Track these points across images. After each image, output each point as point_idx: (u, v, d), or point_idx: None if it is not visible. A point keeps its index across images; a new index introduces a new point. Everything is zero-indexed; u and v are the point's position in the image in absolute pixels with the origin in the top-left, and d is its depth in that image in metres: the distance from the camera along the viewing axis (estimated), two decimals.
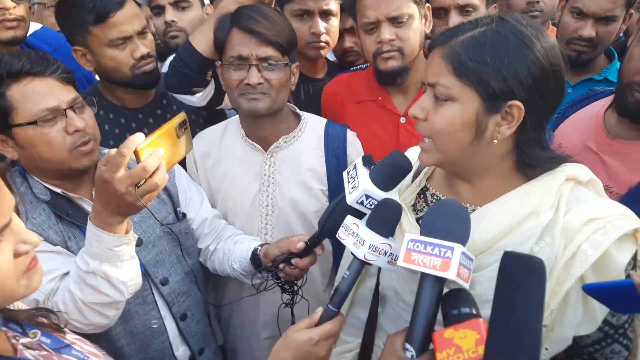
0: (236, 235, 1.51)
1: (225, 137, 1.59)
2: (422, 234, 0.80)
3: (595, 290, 0.77)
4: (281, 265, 1.23)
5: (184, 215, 1.47)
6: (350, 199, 0.97)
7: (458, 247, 0.76)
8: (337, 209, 1.03)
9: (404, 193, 1.10)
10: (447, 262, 0.76)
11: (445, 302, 0.79)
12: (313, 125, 1.59)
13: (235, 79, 1.39)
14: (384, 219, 0.91)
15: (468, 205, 0.98)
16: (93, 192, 1.27)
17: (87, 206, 1.27)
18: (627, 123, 1.30)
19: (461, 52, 0.87)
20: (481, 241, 0.91)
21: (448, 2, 1.72)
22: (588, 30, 1.74)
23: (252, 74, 1.36)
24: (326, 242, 1.29)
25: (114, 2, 1.46)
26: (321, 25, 1.75)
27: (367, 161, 1.02)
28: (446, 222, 0.80)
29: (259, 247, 1.36)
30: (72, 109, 1.19)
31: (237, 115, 1.59)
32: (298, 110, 1.60)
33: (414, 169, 1.12)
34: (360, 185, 0.97)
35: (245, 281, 1.44)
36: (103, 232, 1.05)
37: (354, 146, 1.59)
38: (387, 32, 1.50)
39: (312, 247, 1.18)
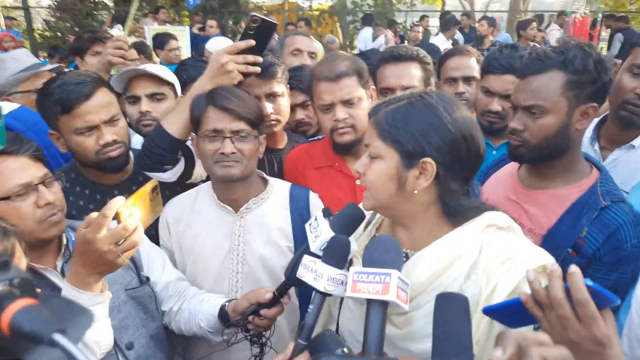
0: (201, 294, 1.58)
1: (197, 202, 1.72)
2: (364, 265, 0.93)
3: (493, 312, 0.92)
4: (250, 317, 1.32)
5: (148, 278, 1.55)
6: (314, 246, 1.11)
7: (394, 273, 0.89)
8: (301, 258, 1.11)
9: (358, 241, 1.23)
10: (387, 286, 0.88)
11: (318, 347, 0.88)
12: (279, 188, 1.75)
13: (211, 149, 1.54)
14: (337, 253, 1.04)
15: (408, 250, 1.11)
16: (57, 262, 1.38)
17: (52, 277, 1.34)
18: (537, 176, 1.52)
19: (383, 120, 1.05)
20: (418, 283, 1.03)
21: (394, 84, 1.97)
22: (494, 105, 2.07)
23: (226, 144, 1.51)
24: (293, 297, 1.44)
25: (81, 94, 1.59)
26: (268, 107, 1.93)
27: (326, 213, 1.17)
28: (383, 254, 0.94)
29: (226, 304, 1.45)
30: (42, 183, 1.32)
31: (208, 182, 1.75)
32: (265, 175, 1.77)
33: (366, 219, 1.26)
34: (322, 234, 1.11)
35: (212, 338, 1.51)
36: (80, 291, 1.13)
37: (316, 206, 1.75)
38: (341, 113, 1.72)
39: (279, 297, 1.28)
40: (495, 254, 1.05)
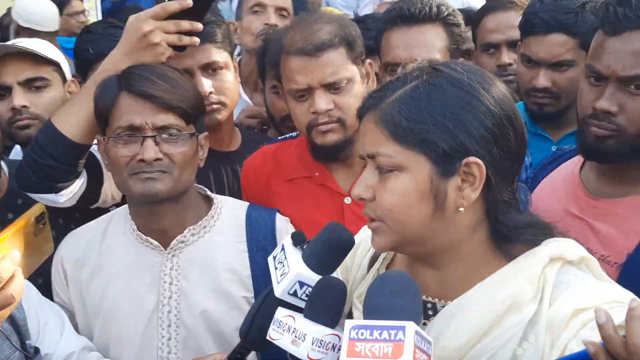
0: None
1: (108, 236, 1.60)
2: (365, 317, 0.85)
3: None
4: None
5: (37, 350, 1.43)
6: (280, 289, 1.01)
7: (410, 326, 0.80)
8: (264, 308, 1.05)
9: (358, 286, 1.15)
10: (400, 345, 0.80)
11: None
12: (230, 211, 1.63)
13: (125, 155, 1.43)
14: (326, 303, 0.95)
15: (436, 300, 1.04)
16: None
17: None
18: (611, 180, 1.42)
19: (394, 113, 0.96)
20: (453, 348, 0.96)
21: (404, 56, 1.80)
22: (541, 79, 1.90)
23: (148, 147, 1.41)
24: None
25: None
26: (206, 83, 1.80)
27: (298, 239, 1.07)
28: (392, 299, 0.86)
29: None
30: None
31: (125, 206, 1.61)
32: (209, 193, 1.64)
33: (369, 254, 1.18)
34: (291, 271, 1.01)
35: None
36: None
37: (286, 236, 1.57)
38: (322, 101, 1.60)
39: None
40: (563, 302, 0.96)
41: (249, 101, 2.69)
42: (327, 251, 1.04)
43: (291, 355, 0.96)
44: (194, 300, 1.53)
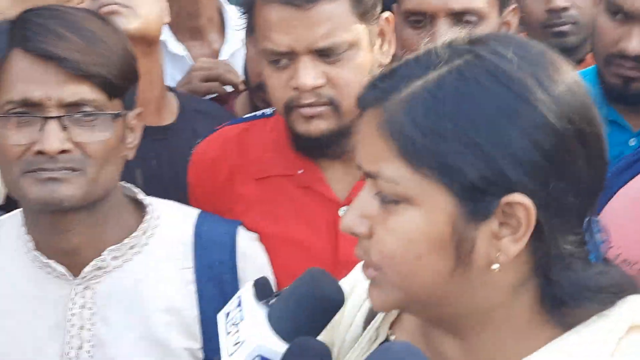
0: None
1: None
2: None
3: None
4: None
5: None
6: None
7: None
8: None
9: (348, 354, 1.13)
10: None
11: None
12: (171, 224, 1.57)
13: (16, 144, 1.37)
14: None
15: None
16: None
17: None
18: None
19: (406, 121, 0.89)
20: None
21: (433, 5, 1.79)
22: (634, 41, 1.78)
23: (50, 133, 1.34)
24: None
25: None
26: None
27: (262, 291, 1.00)
28: None
29: None
30: None
31: (17, 212, 1.55)
32: (141, 196, 1.56)
33: (365, 306, 1.16)
34: (248, 341, 0.94)
35: None
36: None
37: (253, 261, 1.60)
38: (309, 74, 1.54)
39: None
40: None
41: (183, 53, 2.61)
42: (304, 313, 0.96)
43: None
44: (115, 353, 1.46)
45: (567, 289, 0.93)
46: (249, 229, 1.62)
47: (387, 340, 1.11)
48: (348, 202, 1.62)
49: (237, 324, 0.96)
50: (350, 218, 0.96)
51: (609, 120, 1.94)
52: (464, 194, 0.88)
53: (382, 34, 1.64)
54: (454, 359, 1.01)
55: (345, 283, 1.19)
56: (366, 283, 1.02)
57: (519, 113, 0.88)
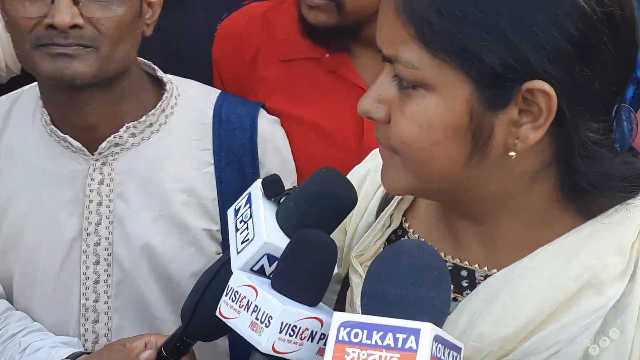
0: (26, 334, 1.45)
1: (11, 128, 1.54)
2: (364, 310, 0.84)
3: None
4: None
5: None
6: (239, 263, 0.96)
7: (427, 329, 0.77)
8: (217, 284, 1.02)
9: (360, 240, 1.14)
10: (410, 357, 0.77)
11: None
12: (191, 103, 1.55)
13: (27, 17, 1.34)
14: (304, 270, 0.91)
15: (476, 267, 1.03)
16: None
17: None
18: None
19: (423, 2, 0.88)
20: (494, 339, 0.94)
21: None
22: None
23: (61, 6, 1.31)
24: (221, 340, 1.31)
25: None
26: None
27: (271, 188, 1.00)
28: (405, 285, 0.82)
29: None
30: None
31: (34, 85, 1.54)
32: (160, 73, 1.54)
33: (379, 192, 1.17)
34: (256, 237, 0.94)
35: None
36: None
37: (274, 145, 1.59)
38: None
39: (171, 358, 1.15)
40: None
41: None
42: (315, 213, 0.96)
43: (252, 347, 0.92)
44: (133, 230, 1.48)
45: (589, 177, 0.93)
46: (272, 112, 1.62)
47: (400, 227, 1.14)
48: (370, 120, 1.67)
49: (245, 221, 0.97)
50: (367, 101, 0.96)
51: None
52: (483, 80, 0.87)
53: None
54: (470, 244, 1.03)
55: (359, 170, 1.21)
56: (379, 173, 1.04)
57: None
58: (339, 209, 0.99)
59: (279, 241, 0.94)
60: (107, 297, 1.48)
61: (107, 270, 1.47)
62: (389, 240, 1.12)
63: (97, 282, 1.47)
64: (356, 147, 1.57)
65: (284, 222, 0.96)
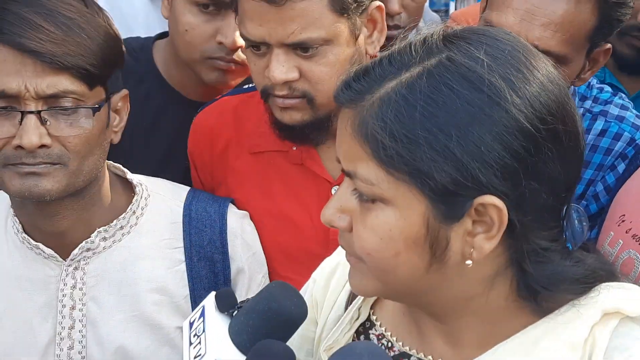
0: None
1: None
2: None
3: None
4: None
5: None
6: None
7: None
8: None
9: (330, 333, 1.14)
10: None
11: None
12: (161, 203, 1.56)
13: None
14: None
15: None
16: None
17: None
18: None
19: (377, 125, 0.91)
20: None
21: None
22: None
23: (29, 128, 1.31)
24: None
25: None
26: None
27: (224, 301, 1.00)
28: None
29: None
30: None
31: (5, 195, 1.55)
32: (130, 175, 1.56)
33: (348, 286, 1.17)
34: (207, 353, 0.94)
35: None
36: None
37: (243, 239, 1.59)
38: (280, 68, 1.49)
39: None
40: None
41: None
42: (265, 327, 0.96)
43: None
44: (107, 332, 1.46)
45: (541, 280, 0.95)
46: (242, 203, 1.63)
47: (368, 319, 1.14)
48: (341, 181, 1.61)
49: (199, 335, 0.97)
50: (330, 212, 0.97)
51: (606, 83, 1.94)
52: (436, 196, 0.90)
53: (372, 22, 1.58)
54: (434, 339, 1.04)
55: (328, 262, 1.22)
56: (348, 266, 1.04)
57: (490, 117, 0.88)
58: (289, 324, 0.99)
59: (230, 356, 0.94)
60: None
61: None
62: (357, 333, 1.12)
63: None
64: (323, 239, 1.56)
65: (236, 335, 0.96)
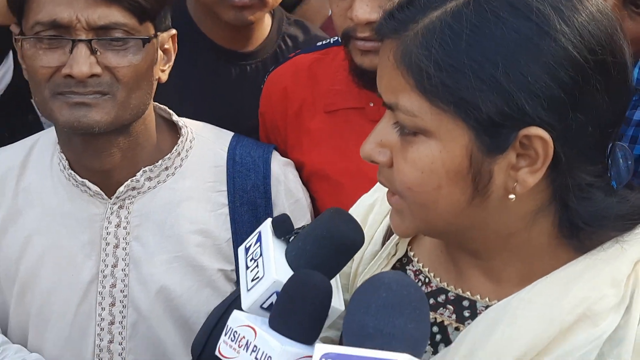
0: None
1: (29, 171, 1.54)
2: (345, 342, 0.85)
3: None
4: None
5: None
6: (249, 301, 0.96)
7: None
8: (225, 321, 1.00)
9: (367, 268, 1.16)
10: None
11: None
12: (205, 146, 1.57)
13: (45, 66, 1.36)
14: (301, 310, 0.91)
15: (477, 297, 1.05)
16: None
17: None
18: None
19: (421, 54, 0.90)
20: None
21: None
22: None
23: (79, 57, 1.32)
24: None
25: None
26: None
27: (281, 227, 1.01)
28: (384, 317, 0.83)
29: None
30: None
31: (52, 130, 1.55)
32: (175, 117, 1.57)
33: (385, 222, 1.18)
34: (266, 276, 0.95)
35: None
36: None
37: (286, 186, 1.60)
38: (365, 8, 1.47)
39: None
40: None
41: None
42: (322, 253, 0.96)
43: None
44: (150, 272, 1.48)
45: (584, 217, 0.95)
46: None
47: (405, 255, 1.16)
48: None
49: (256, 259, 0.98)
50: (369, 147, 0.97)
51: None
52: (481, 128, 0.89)
53: None
54: (473, 276, 1.05)
55: (366, 199, 1.23)
56: (385, 202, 1.05)
57: (538, 46, 0.87)
58: (346, 250, 1.00)
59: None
60: (122, 338, 1.48)
61: (122, 312, 1.48)
62: (394, 268, 1.14)
63: (112, 323, 1.47)
64: None
65: (293, 261, 0.97)
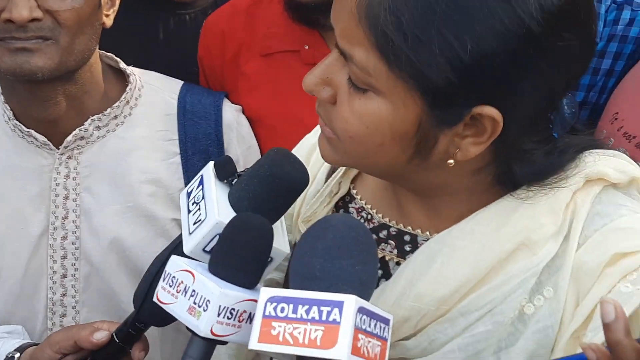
0: None
1: None
2: (292, 285, 0.85)
3: None
4: None
5: None
6: (191, 244, 0.95)
7: (350, 302, 0.78)
8: None
9: (309, 206, 1.17)
10: (334, 330, 0.77)
11: None
12: (155, 94, 1.55)
13: None
14: (240, 254, 0.91)
15: (418, 231, 1.06)
16: None
17: None
18: None
19: (389, 21, 0.85)
20: (432, 298, 0.97)
21: None
22: None
23: (18, 1, 1.28)
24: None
25: None
26: None
27: (223, 169, 1.00)
28: (331, 259, 0.83)
29: (17, 355, 1.26)
30: None
31: None
32: (123, 65, 1.54)
33: (321, 166, 1.19)
34: (208, 217, 0.94)
35: None
36: None
37: (239, 133, 1.59)
38: None
39: (123, 345, 1.14)
40: (599, 241, 0.94)
41: None
42: (266, 193, 0.96)
43: (190, 331, 0.92)
44: (101, 223, 1.47)
45: (525, 176, 0.96)
46: (253, 108, 1.62)
47: (348, 193, 1.16)
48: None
49: (198, 203, 0.97)
50: (314, 80, 0.93)
51: None
52: (435, 100, 0.87)
53: None
54: (414, 211, 1.06)
55: (309, 139, 1.22)
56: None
57: (493, 15, 0.82)
58: (290, 190, 0.99)
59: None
60: (75, 291, 1.47)
61: (74, 265, 1.47)
62: (337, 207, 1.14)
63: (64, 276, 1.46)
64: None
65: (236, 202, 0.96)
